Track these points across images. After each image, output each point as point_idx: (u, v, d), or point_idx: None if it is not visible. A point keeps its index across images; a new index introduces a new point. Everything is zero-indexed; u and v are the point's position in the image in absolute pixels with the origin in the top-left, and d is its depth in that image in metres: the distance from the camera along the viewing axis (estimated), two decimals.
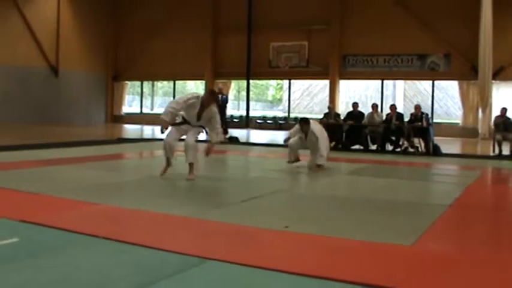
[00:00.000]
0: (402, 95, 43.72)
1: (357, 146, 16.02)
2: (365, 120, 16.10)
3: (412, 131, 15.29)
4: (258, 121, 30.52)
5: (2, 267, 3.79)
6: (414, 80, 34.27)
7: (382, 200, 7.30)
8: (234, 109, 42.42)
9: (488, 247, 4.95)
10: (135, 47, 32.17)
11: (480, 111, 23.26)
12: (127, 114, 34.28)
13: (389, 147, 15.75)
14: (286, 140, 11.38)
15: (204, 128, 9.32)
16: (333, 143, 16.36)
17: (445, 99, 41.72)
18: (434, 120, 24.26)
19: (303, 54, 27.80)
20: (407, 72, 25.86)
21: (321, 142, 10.67)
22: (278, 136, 23.14)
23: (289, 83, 32.56)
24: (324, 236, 4.98)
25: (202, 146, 9.27)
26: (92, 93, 32.81)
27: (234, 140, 18.71)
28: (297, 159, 11.13)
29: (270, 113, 39.09)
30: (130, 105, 38.71)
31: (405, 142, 15.45)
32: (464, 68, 24.15)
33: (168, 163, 9.20)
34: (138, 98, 37.31)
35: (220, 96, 21.07)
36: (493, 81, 22.91)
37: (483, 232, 5.72)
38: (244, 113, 31.22)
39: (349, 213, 6.35)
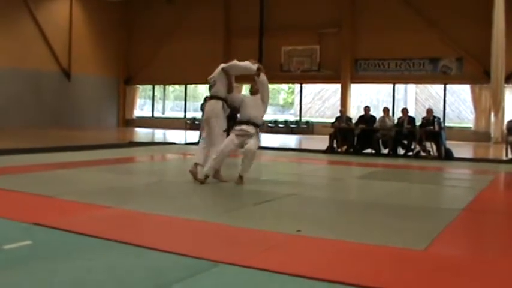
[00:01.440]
0: (414, 98, 43.60)
1: (368, 150, 15.99)
2: (376, 124, 16.06)
3: (424, 135, 15.23)
4: (270, 125, 30.51)
5: (15, 270, 3.80)
6: (426, 84, 34.19)
7: (395, 204, 7.27)
8: None
9: (501, 252, 4.91)
10: (147, 51, 32.30)
11: (492, 115, 23.16)
12: (138, 118, 34.39)
13: (401, 151, 15.69)
14: None
15: None
16: (345, 147, 16.36)
17: (457, 103, 41.55)
18: (446, 124, 24.15)
19: (315, 58, 27.81)
20: (419, 76, 25.80)
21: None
22: (290, 140, 23.15)
23: (301, 87, 32.57)
24: (336, 240, 4.97)
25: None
26: (104, 97, 32.95)
27: None
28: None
29: (281, 117, 39.11)
30: (141, 109, 38.81)
31: (417, 146, 15.39)
32: (477, 72, 24.06)
33: None
34: (149, 101, 37.41)
35: None
36: (506, 85, 22.79)
37: (496, 237, 5.68)
38: None
39: (361, 217, 6.32)
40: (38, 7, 28.27)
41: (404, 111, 16.26)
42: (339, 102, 28.38)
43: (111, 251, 4.40)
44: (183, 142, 20.15)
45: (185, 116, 33.44)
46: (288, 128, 29.93)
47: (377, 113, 17.50)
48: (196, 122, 28.58)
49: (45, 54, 28.83)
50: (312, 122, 30.95)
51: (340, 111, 18.13)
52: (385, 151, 15.73)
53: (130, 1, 33.13)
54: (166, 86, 38.07)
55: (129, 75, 33.57)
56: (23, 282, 3.53)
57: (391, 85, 27.62)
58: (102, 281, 3.61)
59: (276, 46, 28.26)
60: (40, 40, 28.49)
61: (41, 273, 3.74)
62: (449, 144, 15.73)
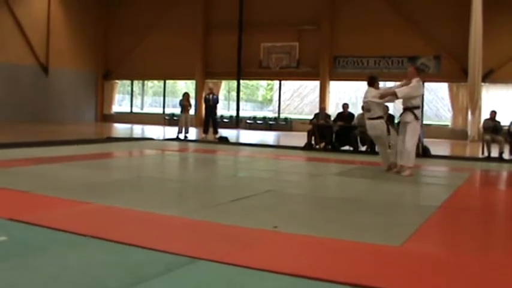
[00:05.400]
0: None
1: (346, 147, 16.04)
2: (355, 121, 16.12)
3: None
4: (248, 121, 30.52)
5: None
6: None
7: (372, 201, 7.31)
8: (224, 109, 42.43)
9: (476, 249, 4.97)
10: (126, 46, 32.12)
11: (470, 113, 23.36)
12: (117, 113, 34.22)
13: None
14: None
15: None
16: (323, 144, 16.40)
17: (434, 101, 41.93)
18: (424, 122, 24.31)
19: (294, 55, 27.85)
20: (398, 73, 25.89)
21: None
22: (268, 136, 23.17)
23: (280, 84, 32.63)
24: (313, 236, 4.98)
25: None
26: (82, 91, 32.71)
27: (224, 140, 18.70)
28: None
29: (260, 114, 39.16)
30: (120, 104, 38.66)
31: None
32: (454, 70, 24.26)
33: None
34: (128, 97, 37.27)
35: (211, 96, 21.09)
36: (483, 84, 23.03)
37: (471, 234, 5.74)
38: (234, 113, 31.22)
39: (338, 214, 6.36)
40: (16, 1, 27.98)
41: (385, 108, 16.37)
42: (317, 99, 28.49)
43: (87, 247, 4.38)
44: (161, 138, 20.09)
45: (164, 111, 33.35)
46: (266, 124, 29.96)
47: (355, 111, 17.57)
48: (175, 118, 28.50)
49: (23, 48, 28.55)
50: (290, 118, 31.02)
51: (321, 108, 18.19)
52: (363, 148, 15.80)
53: None
54: (145, 82, 37.96)
55: (108, 70, 33.37)
56: None
57: None
58: (78, 278, 3.59)
59: (255, 42, 28.27)
60: (18, 34, 28.20)
61: (17, 269, 3.71)
62: (427, 141, 15.85)
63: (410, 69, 10.97)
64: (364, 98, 11.04)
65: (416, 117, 10.23)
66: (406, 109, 10.37)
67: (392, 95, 10.53)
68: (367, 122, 10.98)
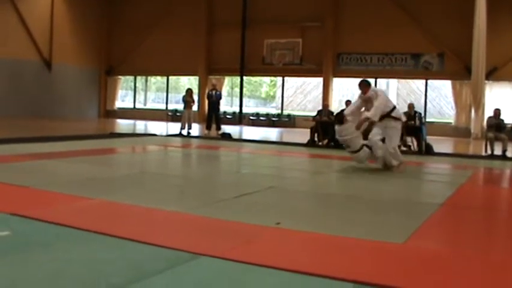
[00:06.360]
0: (395, 94, 43.79)
1: None
2: None
3: (404, 130, 15.28)
4: (251, 118, 30.52)
5: None
6: (407, 79, 34.35)
7: (374, 198, 7.30)
8: (227, 105, 42.43)
9: (478, 246, 4.96)
10: (129, 42, 32.11)
11: (473, 111, 23.32)
12: (120, 109, 34.22)
13: None
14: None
15: None
16: (326, 141, 16.39)
17: (438, 98, 41.84)
18: (427, 120, 24.31)
19: (297, 51, 27.82)
20: (401, 71, 25.92)
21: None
22: (271, 133, 23.15)
23: (283, 80, 32.58)
24: (315, 232, 4.98)
25: None
26: (85, 87, 32.72)
27: (227, 137, 18.70)
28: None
29: (263, 110, 39.10)
30: (123, 100, 38.65)
31: None
32: (458, 68, 24.22)
33: None
34: (131, 93, 37.28)
35: (214, 92, 21.08)
36: (486, 82, 22.98)
37: (474, 231, 5.73)
38: (237, 110, 31.22)
39: (341, 211, 6.35)
40: None
41: None
42: (320, 96, 28.47)
43: (90, 242, 4.38)
44: (164, 134, 20.09)
45: (167, 107, 33.38)
46: (269, 121, 29.94)
47: None
48: (178, 114, 28.50)
49: (26, 44, 28.55)
50: (293, 115, 31.00)
51: (324, 105, 18.15)
52: None
53: None
54: (148, 78, 37.89)
55: (111, 66, 33.37)
56: (1, 273, 3.50)
57: (373, 80, 27.70)
58: (82, 273, 3.59)
59: (259, 39, 28.24)
60: (21, 30, 28.20)
61: (20, 264, 3.71)
62: (430, 139, 15.83)
63: (361, 86, 10.56)
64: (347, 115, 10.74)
65: (396, 120, 10.39)
66: (385, 116, 10.28)
67: (367, 121, 10.37)
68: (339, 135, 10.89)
